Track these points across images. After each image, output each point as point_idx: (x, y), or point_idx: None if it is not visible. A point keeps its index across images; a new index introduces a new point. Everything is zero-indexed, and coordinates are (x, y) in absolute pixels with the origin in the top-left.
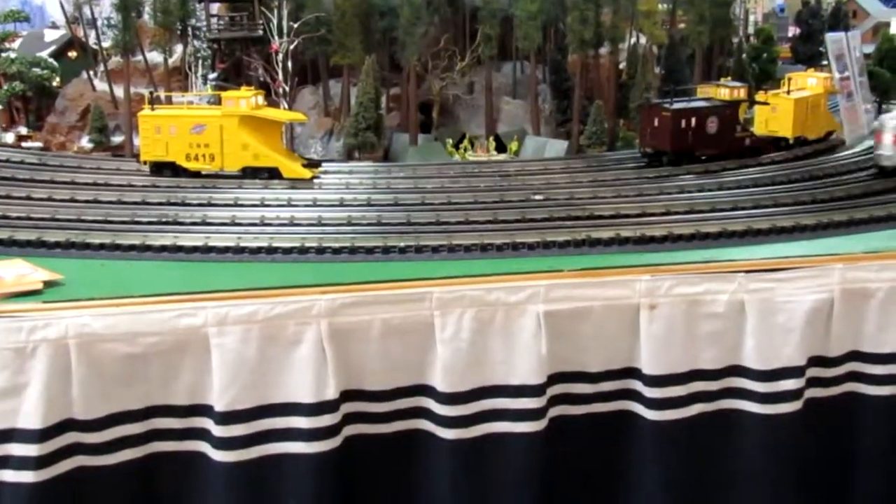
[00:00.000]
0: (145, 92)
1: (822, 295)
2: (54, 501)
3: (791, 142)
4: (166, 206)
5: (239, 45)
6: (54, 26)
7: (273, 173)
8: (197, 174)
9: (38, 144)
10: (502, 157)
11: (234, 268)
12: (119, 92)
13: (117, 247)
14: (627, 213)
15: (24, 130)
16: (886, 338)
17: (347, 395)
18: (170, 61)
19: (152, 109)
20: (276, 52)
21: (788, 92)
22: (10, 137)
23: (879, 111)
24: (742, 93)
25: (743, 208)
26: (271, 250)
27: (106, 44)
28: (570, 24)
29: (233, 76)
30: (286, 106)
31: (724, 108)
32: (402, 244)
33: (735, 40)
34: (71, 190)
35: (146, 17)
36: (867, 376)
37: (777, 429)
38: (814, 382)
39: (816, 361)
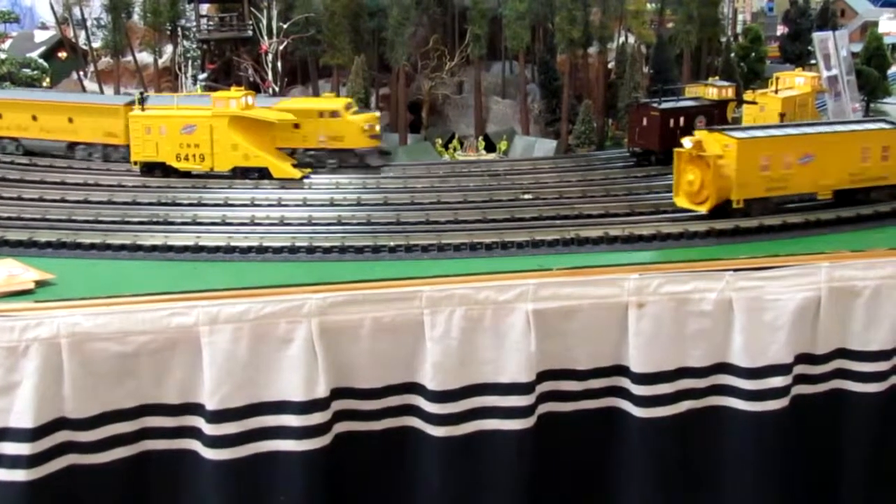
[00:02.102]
0: (135, 92)
1: (810, 293)
2: (46, 500)
3: None
4: (157, 206)
5: (229, 46)
6: (44, 27)
7: (263, 173)
8: (187, 174)
9: None
10: (491, 156)
11: (224, 267)
12: (109, 92)
13: (108, 246)
14: (616, 212)
15: None
16: (873, 335)
17: (338, 393)
18: (160, 62)
19: (142, 110)
20: (266, 53)
21: (776, 91)
22: None
23: (867, 110)
24: (730, 92)
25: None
26: (262, 250)
27: (96, 44)
28: (559, 24)
29: (222, 77)
30: None
31: (712, 108)
32: (392, 243)
33: (723, 39)
34: (61, 190)
35: (136, 17)
36: (854, 373)
37: (764, 425)
38: (801, 380)
39: (803, 359)
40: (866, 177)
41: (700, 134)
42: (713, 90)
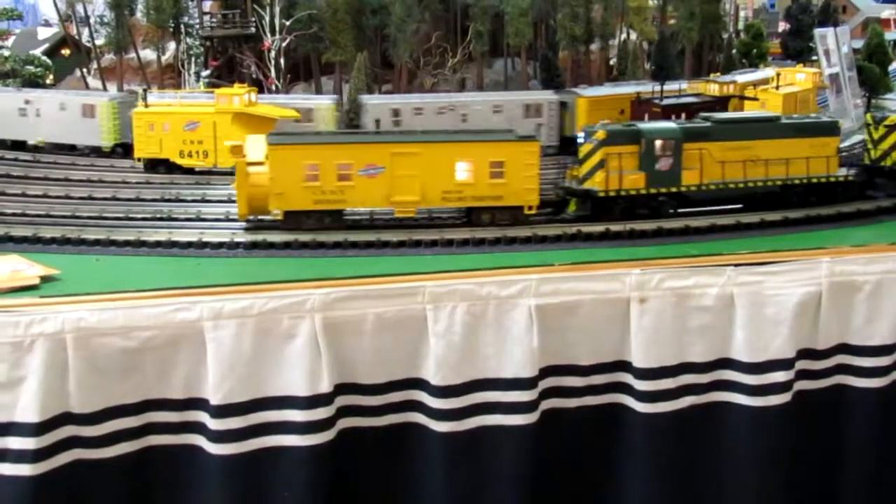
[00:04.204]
0: (138, 89)
1: (811, 288)
2: (51, 494)
3: None
4: (160, 202)
5: (231, 43)
6: (47, 24)
7: None
8: (191, 171)
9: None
10: None
11: (228, 263)
12: (112, 89)
13: (112, 242)
14: None
15: None
16: (874, 330)
17: (341, 389)
18: (163, 59)
19: (146, 106)
20: (269, 50)
21: (777, 87)
22: None
23: (868, 106)
24: (732, 88)
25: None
26: (265, 245)
27: (99, 41)
28: (561, 21)
29: (225, 73)
30: None
31: (713, 104)
32: (395, 239)
33: (725, 36)
34: (66, 187)
35: (139, 14)
36: (856, 368)
37: (766, 421)
38: (803, 375)
39: (805, 354)
40: (469, 196)
41: (251, 138)
42: (714, 86)
